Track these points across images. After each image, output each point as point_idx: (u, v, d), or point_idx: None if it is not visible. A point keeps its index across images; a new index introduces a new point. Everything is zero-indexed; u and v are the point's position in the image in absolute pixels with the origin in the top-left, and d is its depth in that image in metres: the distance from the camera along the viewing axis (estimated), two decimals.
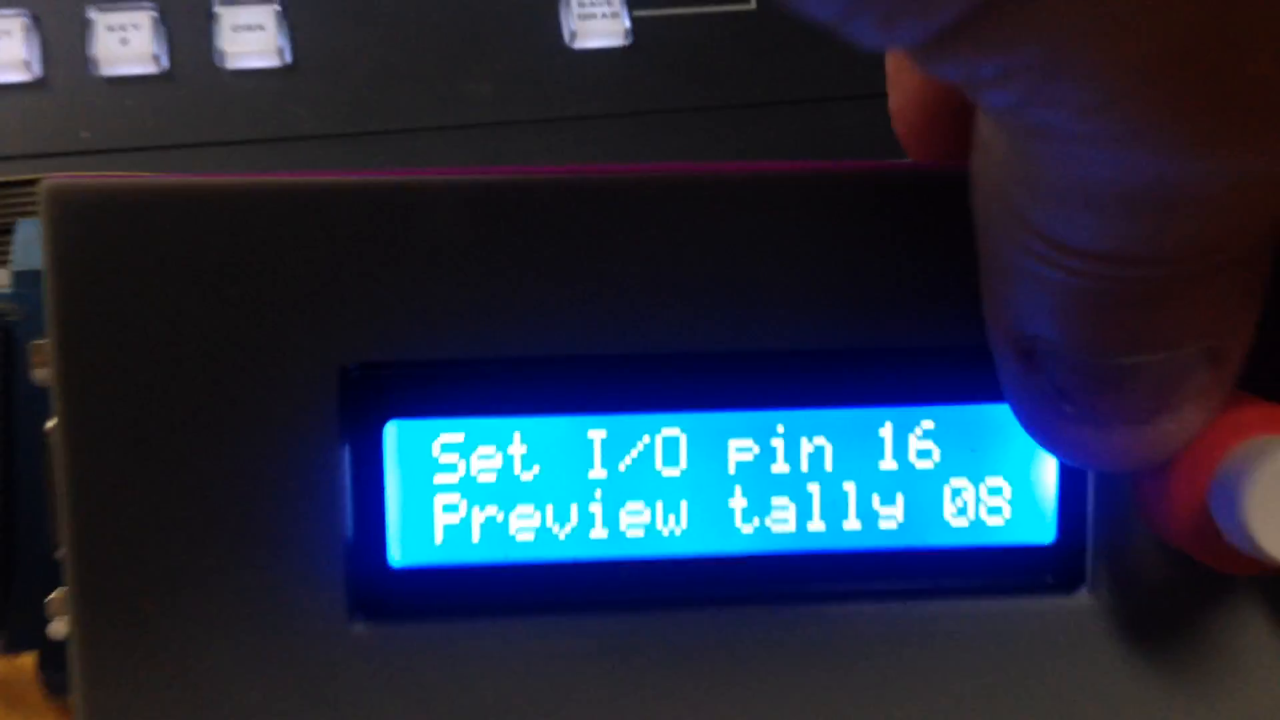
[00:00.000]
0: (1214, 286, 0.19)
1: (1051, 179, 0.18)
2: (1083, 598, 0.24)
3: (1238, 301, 0.20)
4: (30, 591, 0.25)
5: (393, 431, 0.24)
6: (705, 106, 0.47)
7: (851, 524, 0.24)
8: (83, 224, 0.23)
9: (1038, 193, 0.18)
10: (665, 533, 0.24)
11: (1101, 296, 0.19)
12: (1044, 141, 0.17)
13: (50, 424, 0.24)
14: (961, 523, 0.24)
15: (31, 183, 0.32)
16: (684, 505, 0.24)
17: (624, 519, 0.24)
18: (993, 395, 0.24)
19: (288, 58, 0.45)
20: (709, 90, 0.48)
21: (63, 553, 0.23)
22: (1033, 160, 0.18)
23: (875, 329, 0.24)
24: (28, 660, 0.32)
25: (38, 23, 0.44)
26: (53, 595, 0.25)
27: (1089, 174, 0.17)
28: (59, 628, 0.24)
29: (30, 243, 0.26)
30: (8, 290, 0.26)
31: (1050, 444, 0.22)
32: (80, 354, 0.23)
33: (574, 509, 0.24)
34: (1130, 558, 0.24)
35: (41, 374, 0.24)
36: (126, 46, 0.45)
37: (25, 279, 0.26)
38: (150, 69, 0.45)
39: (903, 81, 0.25)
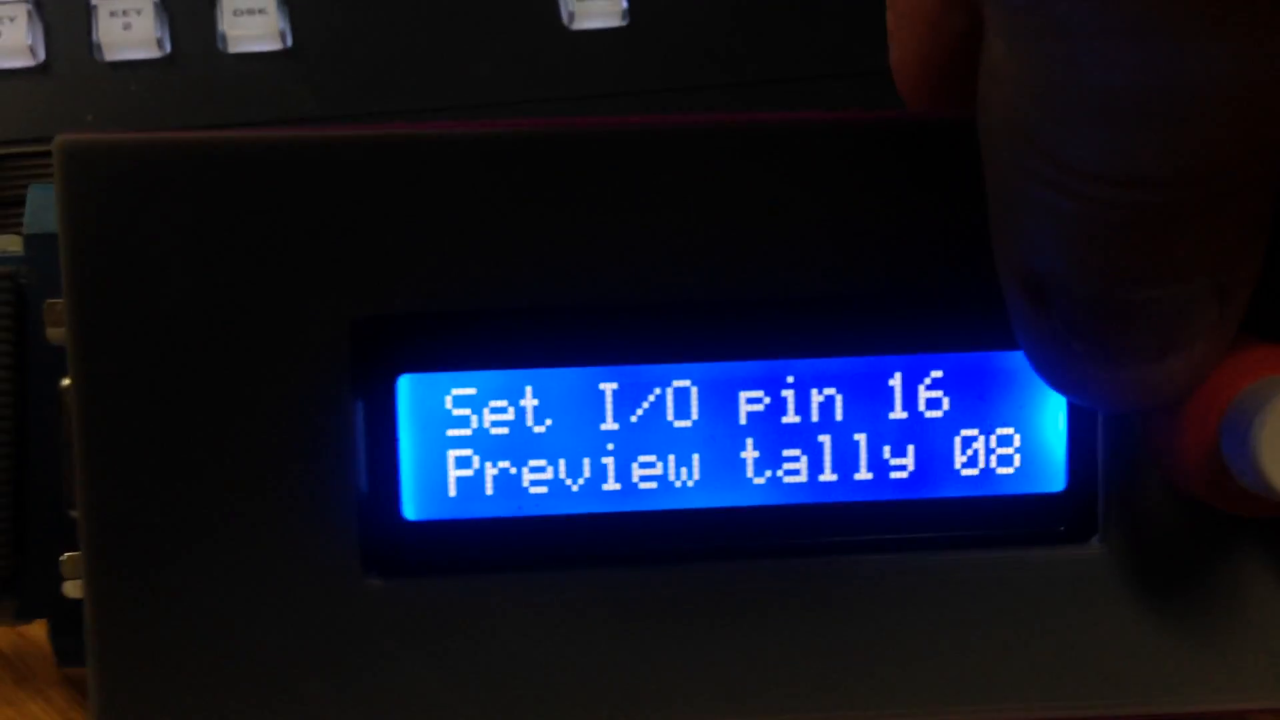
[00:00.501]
0: (1223, 215, 0.19)
1: (1065, 88, 0.18)
2: (1095, 546, 0.24)
3: (1247, 233, 0.20)
4: (44, 554, 0.26)
5: (405, 385, 0.24)
6: (703, 86, 0.47)
7: (863, 475, 0.24)
8: (96, 180, 0.23)
9: (1049, 108, 0.18)
10: (678, 485, 0.24)
11: (1110, 225, 0.19)
12: (1060, 41, 0.17)
13: (65, 383, 0.24)
14: (972, 472, 0.24)
15: (42, 154, 0.32)
16: (695, 457, 0.24)
17: (636, 472, 0.24)
18: (1002, 343, 0.24)
19: (289, 41, 0.45)
20: (707, 70, 0.48)
21: (77, 512, 0.23)
22: (1046, 68, 0.18)
23: (883, 278, 0.24)
24: (39, 633, 0.32)
25: (40, 8, 0.44)
26: (66, 556, 0.25)
27: (1104, 78, 0.17)
28: (73, 589, 0.24)
29: (43, 206, 0.26)
30: (21, 254, 0.26)
31: (1060, 384, 0.22)
32: (94, 311, 0.23)
33: (586, 462, 0.24)
34: (1142, 505, 0.24)
35: (56, 333, 0.24)
36: (129, 31, 0.45)
37: (38, 242, 0.26)
38: (153, 53, 0.45)
39: (903, 35, 0.25)
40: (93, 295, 0.23)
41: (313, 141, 0.23)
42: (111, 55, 0.44)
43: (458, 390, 0.24)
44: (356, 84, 0.46)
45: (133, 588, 0.23)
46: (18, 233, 0.27)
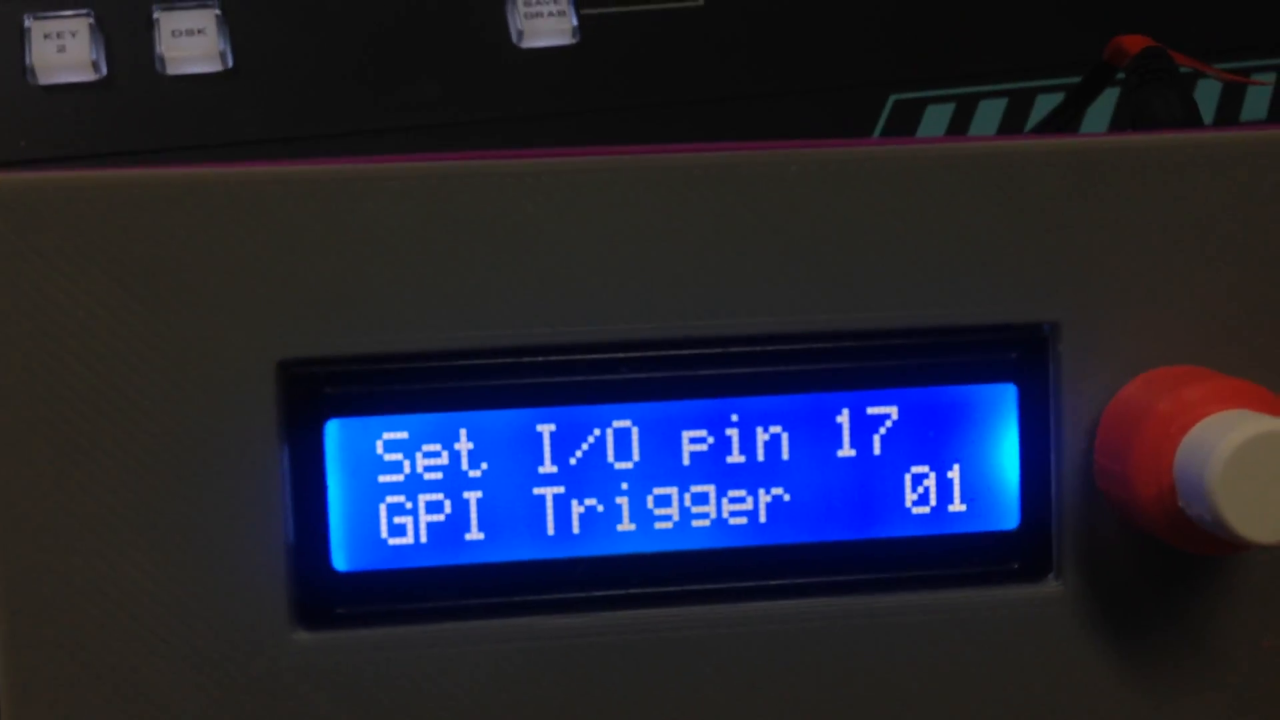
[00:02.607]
0: None
1: None
2: (1051, 585, 0.24)
3: None
4: None
5: (334, 429, 0.23)
6: (653, 104, 0.47)
7: (809, 514, 0.24)
8: (5, 218, 0.22)
9: None
10: (619, 528, 0.23)
11: None
12: None
13: None
14: (923, 510, 0.24)
15: None
16: (637, 499, 0.23)
17: (575, 515, 0.23)
18: (952, 378, 0.23)
19: (229, 62, 0.44)
20: (657, 88, 0.47)
21: None
22: None
23: (831, 312, 0.23)
24: None
25: None
26: None
27: None
28: None
29: None
30: None
31: None
32: (2, 354, 0.22)
33: (524, 506, 0.23)
34: (1099, 542, 0.24)
35: None
36: (64, 54, 0.44)
37: None
38: (88, 76, 0.44)
39: None
40: (1, 337, 0.22)
41: (234, 179, 0.22)
42: (46, 79, 0.43)
43: (389, 434, 0.23)
44: (300, 105, 0.45)
45: (46, 645, 0.22)
46: None
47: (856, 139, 0.24)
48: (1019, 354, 0.24)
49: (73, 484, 0.22)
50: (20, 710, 0.22)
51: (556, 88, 0.46)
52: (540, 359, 0.23)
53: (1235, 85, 0.44)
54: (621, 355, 0.23)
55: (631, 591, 0.23)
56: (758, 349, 0.23)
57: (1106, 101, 0.41)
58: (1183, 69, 0.34)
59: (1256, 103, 0.46)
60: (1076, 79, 0.42)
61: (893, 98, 0.45)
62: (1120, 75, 0.36)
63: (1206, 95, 0.45)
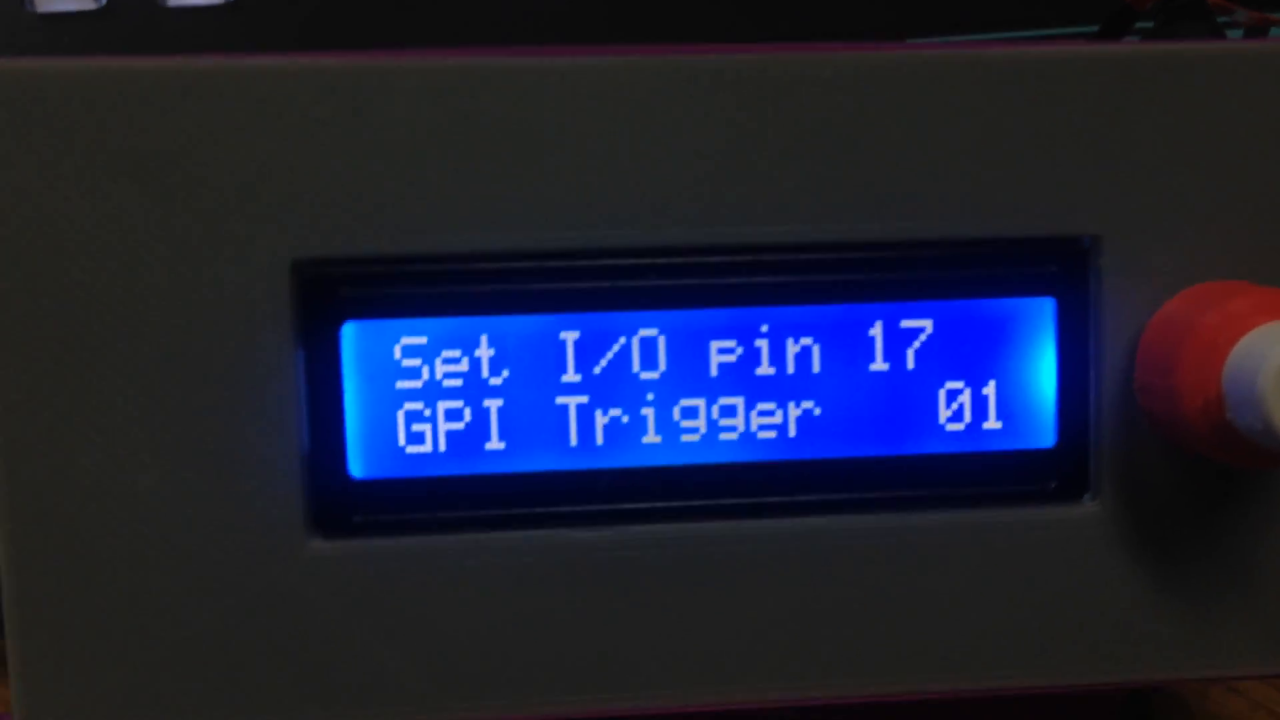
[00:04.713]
0: None
1: None
2: (1087, 505, 0.23)
3: None
4: None
5: (350, 333, 0.22)
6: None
7: (840, 429, 0.23)
8: (8, 109, 0.21)
9: None
10: (643, 440, 0.23)
11: None
12: None
13: None
14: (956, 427, 0.23)
15: None
16: (663, 411, 0.23)
17: (600, 426, 0.22)
18: (989, 290, 0.23)
19: None
20: (675, 32, 0.46)
21: None
22: None
23: (865, 222, 0.22)
24: None
25: None
26: None
27: None
28: None
29: None
30: None
31: None
32: (6, 251, 0.21)
33: (546, 415, 0.22)
34: (1137, 461, 0.23)
35: None
36: None
37: None
38: (88, 5, 0.43)
39: None
40: (4, 233, 0.21)
41: (250, 69, 0.21)
42: (45, 6, 0.42)
43: (408, 339, 0.22)
44: (301, 38, 0.44)
45: (54, 557, 0.21)
46: None
47: (895, 42, 0.23)
48: (1058, 267, 0.23)
49: (79, 387, 0.21)
50: (24, 618, 0.21)
51: None
52: (565, 264, 0.22)
53: (1258, 29, 0.43)
54: (649, 261, 0.22)
55: (656, 505, 0.23)
56: (789, 258, 0.22)
57: None
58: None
59: None
60: (1092, 28, 0.41)
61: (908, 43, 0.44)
62: (1140, 26, 0.35)
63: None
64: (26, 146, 0.21)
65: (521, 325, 0.22)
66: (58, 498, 0.21)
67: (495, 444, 0.22)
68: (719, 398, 0.23)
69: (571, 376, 0.22)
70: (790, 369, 0.23)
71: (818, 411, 0.23)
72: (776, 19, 0.46)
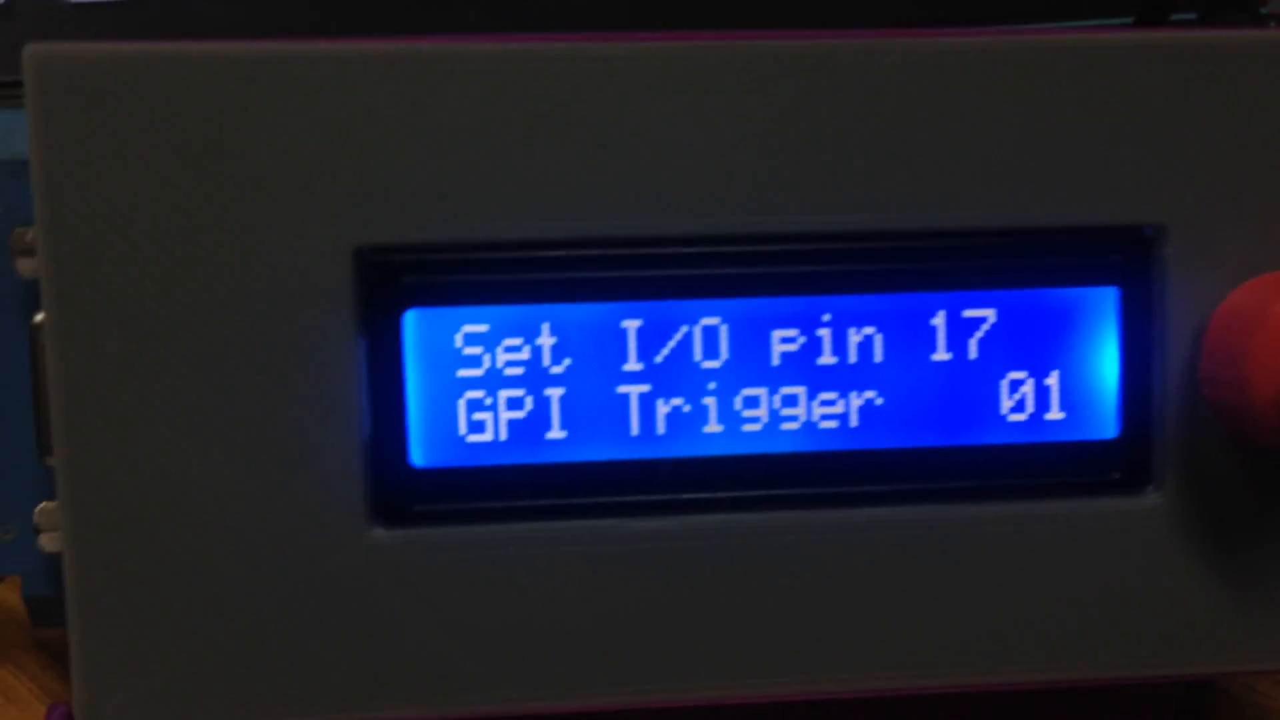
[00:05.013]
0: None
1: None
2: (1150, 497, 0.23)
3: None
4: (16, 505, 0.24)
5: (412, 321, 0.22)
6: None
7: (902, 419, 0.23)
8: (73, 93, 0.21)
9: None
10: (705, 429, 0.22)
11: None
12: None
13: (39, 318, 0.22)
14: (1019, 418, 0.23)
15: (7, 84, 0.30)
16: (725, 400, 0.22)
17: (661, 415, 0.22)
18: (1054, 280, 0.22)
19: None
20: (718, 20, 0.46)
21: (55, 459, 0.21)
22: None
23: (928, 210, 0.22)
24: (7, 596, 0.30)
25: None
26: (42, 507, 0.23)
27: None
28: (51, 542, 0.22)
29: (10, 131, 0.24)
30: None
31: None
32: (71, 237, 0.21)
33: (607, 404, 0.22)
34: (1200, 453, 0.23)
35: (28, 265, 0.22)
36: None
37: (5, 169, 0.24)
38: None
39: None
40: (70, 219, 0.21)
41: (314, 54, 0.21)
42: None
43: (469, 327, 0.22)
44: (321, 21, 0.44)
45: (117, 540, 0.21)
46: None
47: (954, 28, 0.23)
48: (1122, 257, 0.23)
49: (144, 374, 0.21)
50: (87, 608, 0.21)
51: None
52: (627, 252, 0.22)
53: None
54: (711, 250, 0.22)
55: (717, 495, 0.22)
56: (852, 247, 0.22)
57: None
58: None
59: None
60: (1124, 20, 0.41)
61: None
62: (1176, 18, 0.35)
63: None
64: (95, 133, 0.21)
65: (583, 313, 0.22)
66: (121, 486, 0.21)
67: (556, 433, 0.22)
68: (780, 387, 0.22)
69: (633, 365, 0.22)
70: (852, 358, 0.23)
71: (880, 401, 0.23)
72: (807, 5, 0.45)
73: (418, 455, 0.22)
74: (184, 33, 0.43)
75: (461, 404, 0.22)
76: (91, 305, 0.21)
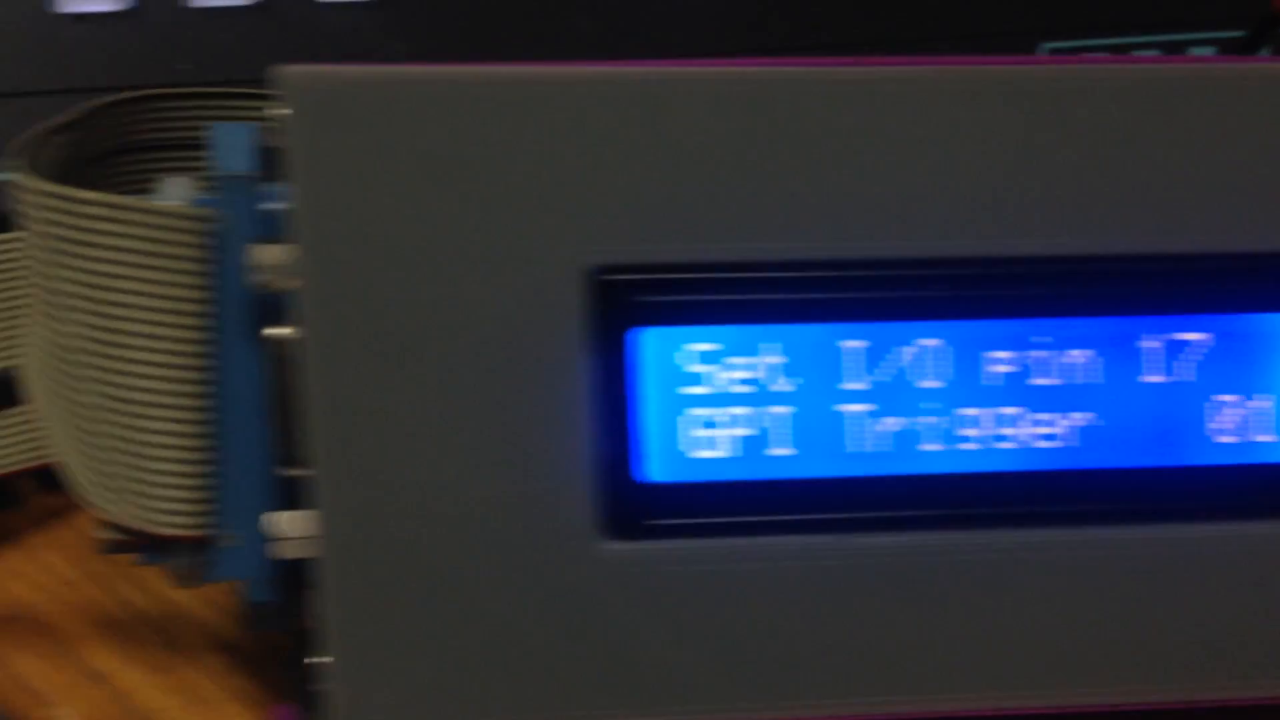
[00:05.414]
0: None
1: None
2: None
3: None
4: (243, 514, 0.24)
5: (640, 339, 0.22)
6: (821, 45, 0.46)
7: (1116, 439, 0.23)
8: (329, 115, 0.21)
9: None
10: (925, 448, 0.23)
11: None
12: None
13: (272, 332, 0.23)
14: (1229, 440, 0.23)
15: (153, 97, 0.30)
16: (944, 419, 0.23)
17: (881, 433, 0.23)
18: (1266, 304, 0.23)
19: None
20: (817, 30, 0.46)
21: (313, 469, 0.22)
22: None
23: (1143, 234, 0.23)
24: (184, 598, 0.31)
25: None
26: (276, 515, 0.23)
27: None
28: (291, 549, 0.23)
29: (232, 147, 0.24)
30: (209, 197, 0.24)
31: None
32: (327, 255, 0.21)
33: (829, 422, 0.23)
34: None
35: (268, 279, 0.23)
36: None
37: (228, 184, 0.24)
38: (114, 5, 0.42)
39: None
40: (327, 237, 0.21)
41: (549, 78, 0.22)
42: (68, 6, 0.42)
43: (696, 346, 0.23)
44: (456, 33, 0.44)
45: (369, 549, 0.22)
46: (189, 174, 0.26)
47: (1168, 56, 0.24)
48: None
49: (392, 388, 0.22)
50: (343, 608, 0.22)
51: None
52: (851, 273, 0.22)
53: None
54: (935, 272, 0.23)
55: (936, 512, 0.23)
56: (1069, 269, 0.23)
57: None
58: None
59: None
60: (1235, 33, 0.41)
61: (1044, 46, 0.44)
62: None
63: None
64: (349, 154, 0.21)
65: (807, 334, 0.23)
66: (373, 497, 0.22)
67: (779, 450, 0.23)
68: (997, 407, 0.23)
69: (855, 384, 0.23)
70: (1068, 379, 0.23)
71: (1095, 422, 0.23)
72: (906, 23, 0.46)
73: (645, 471, 0.23)
74: (308, 38, 0.43)
75: (688, 420, 0.23)
76: (346, 321, 0.22)
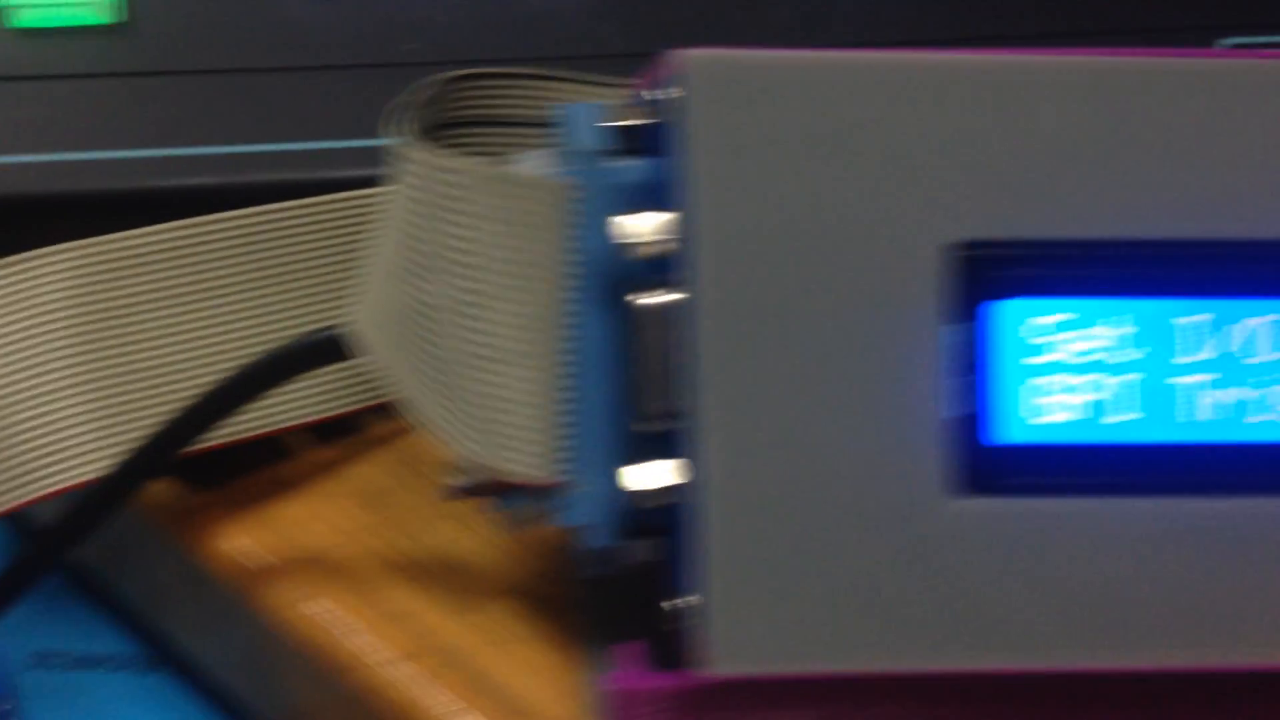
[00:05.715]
0: None
1: None
2: None
3: None
4: (590, 465, 0.26)
5: (992, 311, 0.24)
6: (982, 37, 0.46)
7: None
8: (726, 95, 0.23)
9: None
10: (1257, 419, 0.24)
11: None
12: None
13: (641, 300, 0.24)
14: None
15: (496, 75, 0.32)
16: (1274, 391, 0.24)
17: (1223, 403, 0.24)
18: None
19: None
20: (979, 23, 0.47)
21: (653, 425, 0.24)
22: None
23: None
24: (473, 545, 0.32)
25: None
26: (636, 466, 0.25)
27: None
28: (652, 499, 0.25)
29: (584, 124, 0.26)
30: (566, 169, 0.26)
31: None
32: (717, 225, 0.23)
33: (1171, 392, 0.24)
34: None
35: (638, 247, 0.24)
36: None
37: (580, 159, 0.26)
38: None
39: None
40: (720, 210, 0.23)
41: (922, 65, 0.24)
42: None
43: (1043, 318, 0.24)
44: (669, 21, 0.45)
45: (743, 496, 0.24)
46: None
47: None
48: None
49: (769, 351, 0.24)
50: (722, 555, 0.24)
51: None
52: (1191, 252, 0.24)
53: None
54: (1273, 253, 0.24)
55: (1266, 478, 0.24)
56: None
57: None
58: None
59: None
60: None
61: (1222, 41, 0.45)
62: None
63: None
64: (738, 132, 0.23)
65: (1147, 308, 0.24)
66: (752, 452, 0.23)
67: (1118, 417, 0.24)
68: None
69: (1198, 355, 0.24)
70: None
71: None
72: (1090, 12, 0.47)
73: (993, 434, 0.24)
74: (518, 24, 0.44)
75: (1032, 389, 0.24)
76: (734, 286, 0.23)
